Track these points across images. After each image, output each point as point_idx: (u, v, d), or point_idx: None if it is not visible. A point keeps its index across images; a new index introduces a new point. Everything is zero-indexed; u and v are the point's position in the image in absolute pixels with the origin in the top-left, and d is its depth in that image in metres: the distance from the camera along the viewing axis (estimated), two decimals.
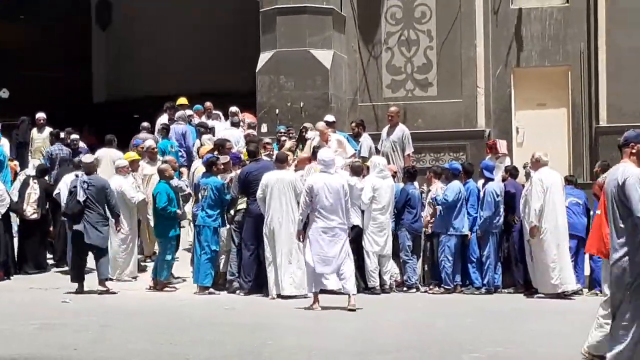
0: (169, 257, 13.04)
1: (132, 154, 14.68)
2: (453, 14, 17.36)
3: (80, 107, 23.18)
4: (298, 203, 11.84)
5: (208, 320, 10.55)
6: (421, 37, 17.57)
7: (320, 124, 14.62)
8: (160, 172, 13.31)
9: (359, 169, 12.99)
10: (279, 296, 12.03)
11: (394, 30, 17.67)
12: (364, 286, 12.58)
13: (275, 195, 12.14)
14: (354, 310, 10.95)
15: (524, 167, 13.37)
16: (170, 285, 13.11)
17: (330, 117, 15.29)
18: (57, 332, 9.68)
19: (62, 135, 16.74)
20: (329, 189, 11.14)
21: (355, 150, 14.61)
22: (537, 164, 12.73)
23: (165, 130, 16.63)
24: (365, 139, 15.20)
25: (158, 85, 22.37)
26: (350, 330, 9.91)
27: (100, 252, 12.82)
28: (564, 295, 12.38)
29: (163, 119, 17.43)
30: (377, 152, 14.94)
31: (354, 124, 15.53)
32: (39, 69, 23.40)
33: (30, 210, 14.23)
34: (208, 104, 18.27)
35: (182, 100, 18.11)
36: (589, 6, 17.03)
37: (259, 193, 12.21)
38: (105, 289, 12.69)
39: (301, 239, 11.45)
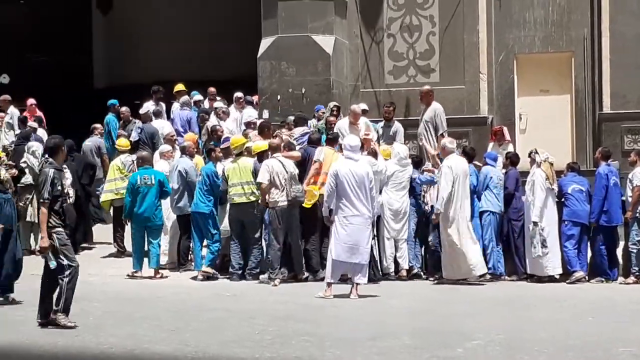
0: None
1: (124, 141, 14.79)
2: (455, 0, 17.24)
3: (80, 93, 23.06)
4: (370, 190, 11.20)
5: (208, 306, 10.54)
6: (423, 23, 17.44)
7: (356, 107, 14.66)
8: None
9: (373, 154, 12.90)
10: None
11: (396, 16, 17.55)
12: (380, 274, 12.55)
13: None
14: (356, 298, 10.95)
15: (529, 155, 13.24)
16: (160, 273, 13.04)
17: (363, 106, 15.25)
18: None
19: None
20: (354, 175, 11.03)
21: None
22: (443, 151, 12.72)
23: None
24: (399, 125, 15.04)
25: (159, 71, 22.21)
26: (352, 317, 9.89)
27: None
28: (565, 282, 12.49)
29: (148, 104, 17.12)
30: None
31: (391, 108, 15.14)
32: (40, 54, 23.29)
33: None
34: (212, 89, 18.20)
35: (180, 87, 17.83)
36: None
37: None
38: None
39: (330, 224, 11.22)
